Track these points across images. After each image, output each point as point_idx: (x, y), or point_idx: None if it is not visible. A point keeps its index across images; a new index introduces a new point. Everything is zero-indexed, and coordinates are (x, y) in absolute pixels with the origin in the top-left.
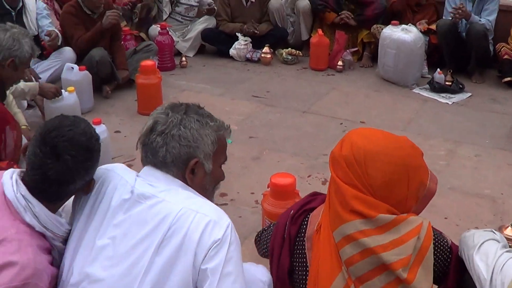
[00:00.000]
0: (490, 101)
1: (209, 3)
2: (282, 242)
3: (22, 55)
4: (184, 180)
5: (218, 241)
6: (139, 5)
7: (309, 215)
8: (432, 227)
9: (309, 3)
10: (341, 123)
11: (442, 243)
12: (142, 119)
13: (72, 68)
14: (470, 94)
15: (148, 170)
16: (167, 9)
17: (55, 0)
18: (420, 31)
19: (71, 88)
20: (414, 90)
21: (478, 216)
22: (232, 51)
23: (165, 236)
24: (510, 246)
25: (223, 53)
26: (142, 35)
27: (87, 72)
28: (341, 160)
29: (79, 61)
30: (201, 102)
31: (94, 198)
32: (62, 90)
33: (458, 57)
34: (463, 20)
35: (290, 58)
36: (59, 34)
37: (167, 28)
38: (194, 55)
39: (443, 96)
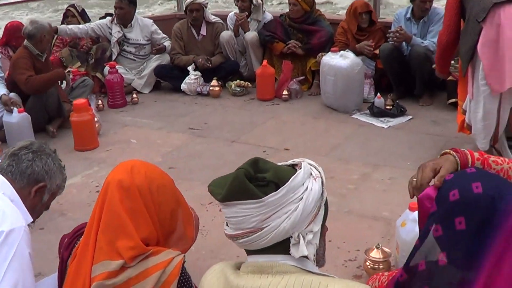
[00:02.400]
0: (430, 123)
1: (159, 40)
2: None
3: None
4: (26, 194)
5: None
6: (94, 46)
7: (79, 240)
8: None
9: (256, 34)
10: (264, 151)
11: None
12: (77, 155)
13: (12, 110)
14: (411, 117)
15: None
16: (115, 50)
17: (9, 48)
18: (368, 57)
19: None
20: (353, 116)
21: (364, 238)
22: (183, 86)
23: None
24: (374, 268)
25: (176, 88)
26: (98, 75)
27: (26, 113)
28: (133, 189)
29: (24, 101)
30: (136, 136)
31: None
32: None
33: (404, 80)
34: (406, 43)
35: (238, 89)
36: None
37: (117, 66)
38: (149, 92)
39: (381, 120)
